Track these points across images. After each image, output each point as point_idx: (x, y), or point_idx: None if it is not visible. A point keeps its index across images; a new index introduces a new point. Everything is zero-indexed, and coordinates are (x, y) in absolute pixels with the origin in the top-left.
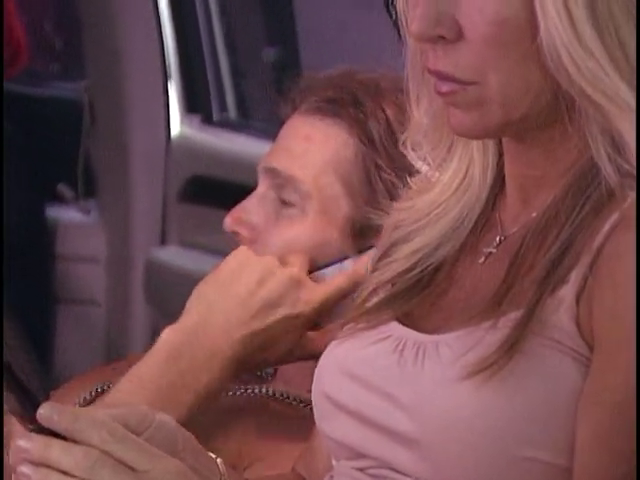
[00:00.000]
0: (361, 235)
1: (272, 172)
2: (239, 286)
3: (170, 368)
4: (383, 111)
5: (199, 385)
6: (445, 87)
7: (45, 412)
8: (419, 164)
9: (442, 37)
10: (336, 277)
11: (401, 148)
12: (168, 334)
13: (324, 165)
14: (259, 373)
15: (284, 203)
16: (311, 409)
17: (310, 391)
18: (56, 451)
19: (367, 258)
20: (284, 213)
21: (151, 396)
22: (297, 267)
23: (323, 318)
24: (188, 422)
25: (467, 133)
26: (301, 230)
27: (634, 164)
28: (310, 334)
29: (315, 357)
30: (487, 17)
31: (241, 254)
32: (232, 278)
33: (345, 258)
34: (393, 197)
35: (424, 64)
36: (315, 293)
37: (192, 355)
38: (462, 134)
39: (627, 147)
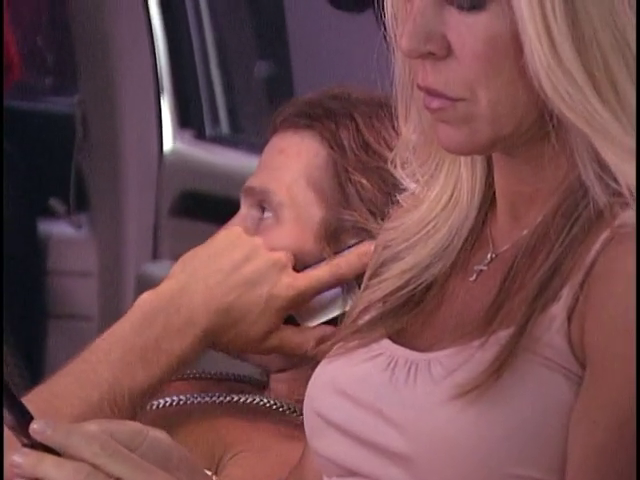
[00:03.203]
0: (335, 238)
1: (249, 191)
2: (225, 260)
3: (145, 330)
4: (353, 119)
5: (173, 351)
6: (435, 103)
7: (39, 427)
8: (407, 182)
9: (432, 53)
10: (317, 268)
11: (389, 166)
12: (145, 297)
13: (296, 175)
14: (250, 381)
15: (262, 219)
16: (301, 414)
17: (299, 401)
18: (48, 466)
19: (348, 255)
20: (261, 225)
21: (125, 354)
22: (284, 256)
23: (301, 313)
24: (159, 385)
25: (456, 149)
26: (277, 237)
27: (622, 182)
28: (285, 328)
29: (283, 353)
30: (476, 34)
31: (233, 232)
32: (220, 252)
33: (322, 261)
34: (363, 199)
35: (414, 80)
36: (297, 279)
37: (167, 320)
38: (451, 150)
39: (611, 170)
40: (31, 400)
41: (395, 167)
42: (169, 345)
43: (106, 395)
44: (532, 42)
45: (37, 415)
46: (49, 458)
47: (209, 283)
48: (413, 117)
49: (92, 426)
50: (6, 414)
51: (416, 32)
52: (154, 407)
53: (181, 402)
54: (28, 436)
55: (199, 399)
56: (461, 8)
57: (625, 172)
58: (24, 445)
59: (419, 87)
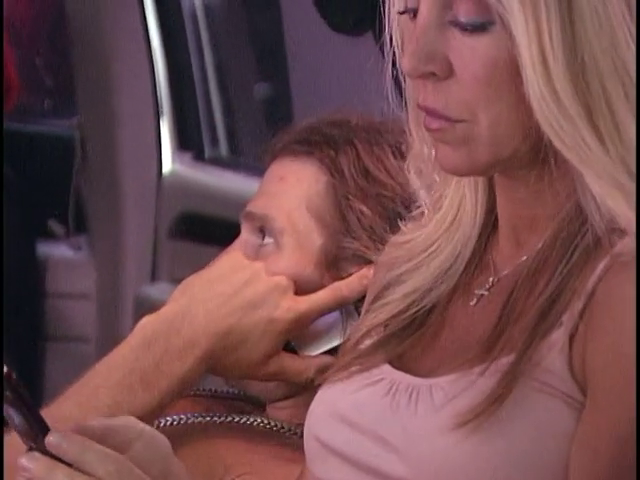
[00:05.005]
0: (335, 265)
1: (249, 216)
2: (225, 284)
3: (145, 353)
4: (353, 145)
5: (173, 374)
6: (435, 124)
7: (54, 439)
8: (420, 191)
9: (433, 74)
10: (318, 292)
11: (405, 172)
12: (146, 321)
13: (296, 202)
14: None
15: (262, 245)
16: (301, 437)
17: (300, 424)
18: (58, 477)
19: (349, 278)
20: (261, 252)
21: (125, 378)
22: (285, 280)
23: (301, 342)
24: (159, 408)
25: (454, 170)
26: (277, 264)
27: (606, 216)
28: (286, 355)
29: (283, 380)
30: (477, 57)
31: (234, 257)
32: (220, 276)
33: (322, 288)
34: (363, 226)
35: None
36: (297, 302)
37: (168, 343)
38: (449, 171)
39: (605, 208)
40: None
41: (409, 173)
42: (169, 368)
43: None
44: (527, 70)
45: None
46: (61, 469)
47: (209, 306)
48: (423, 129)
49: (95, 424)
50: (19, 418)
51: (418, 52)
52: (153, 427)
53: (181, 421)
54: (35, 441)
55: (199, 419)
56: (464, 30)
57: (609, 207)
58: (30, 449)
59: (419, 107)
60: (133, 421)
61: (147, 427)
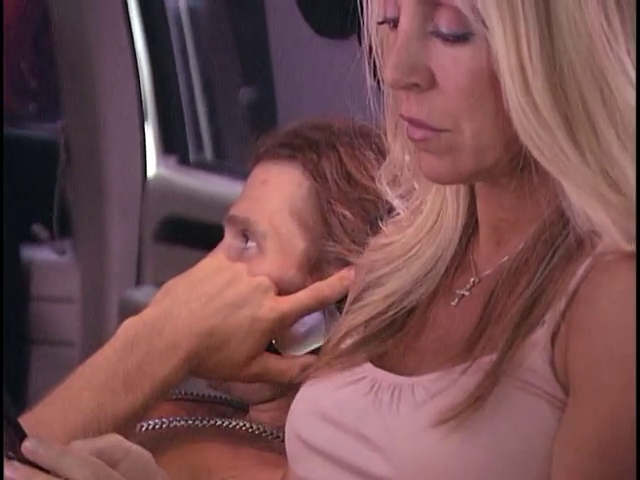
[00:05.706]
0: (318, 268)
1: (232, 220)
2: (208, 285)
3: (127, 356)
4: (336, 149)
5: (156, 376)
6: (418, 133)
7: (31, 445)
8: (394, 200)
9: (416, 84)
10: (300, 292)
11: (377, 183)
12: (128, 323)
13: (279, 205)
14: (231, 402)
15: (245, 249)
16: (284, 441)
17: (282, 427)
18: None
19: (330, 279)
20: (244, 255)
21: (108, 381)
22: (267, 280)
23: (284, 343)
24: (143, 411)
25: (438, 178)
26: (259, 267)
27: (582, 225)
28: (269, 355)
29: (267, 380)
30: (459, 67)
31: (216, 259)
32: (202, 278)
33: None
34: (346, 230)
35: (398, 109)
36: (280, 302)
37: (150, 345)
38: (433, 179)
39: (584, 216)
40: None
41: (381, 184)
42: (152, 370)
43: (90, 422)
44: (505, 81)
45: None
46: (38, 476)
47: (192, 307)
48: (401, 137)
49: (76, 443)
50: None
51: (400, 64)
52: (136, 430)
53: (164, 425)
54: (14, 450)
55: (182, 422)
56: (445, 40)
57: (589, 216)
58: (9, 458)
59: (402, 117)
60: (119, 440)
61: (133, 446)
